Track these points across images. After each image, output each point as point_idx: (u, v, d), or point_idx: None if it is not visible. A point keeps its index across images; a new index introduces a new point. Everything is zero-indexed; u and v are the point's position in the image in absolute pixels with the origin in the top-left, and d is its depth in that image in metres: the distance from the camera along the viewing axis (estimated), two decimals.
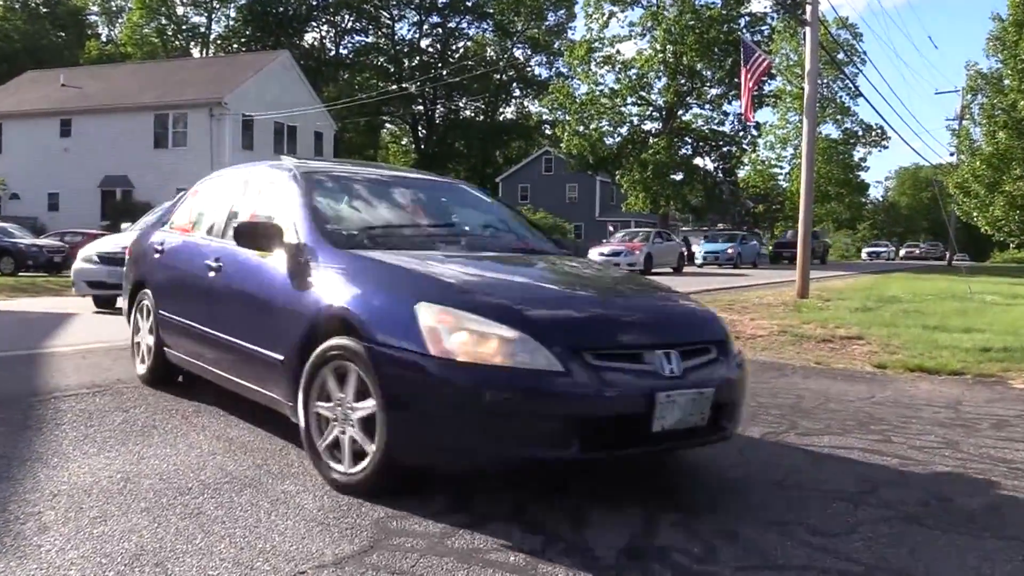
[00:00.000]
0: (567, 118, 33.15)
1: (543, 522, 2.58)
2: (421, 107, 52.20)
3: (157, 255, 4.57)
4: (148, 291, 4.59)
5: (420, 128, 53.34)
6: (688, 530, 2.55)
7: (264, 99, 30.28)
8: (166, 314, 4.29)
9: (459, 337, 2.57)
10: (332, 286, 3.01)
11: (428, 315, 2.64)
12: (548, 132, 47.39)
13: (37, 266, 17.82)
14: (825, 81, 30.44)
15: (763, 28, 32.39)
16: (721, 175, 35.06)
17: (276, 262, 3.31)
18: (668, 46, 30.95)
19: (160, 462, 3.15)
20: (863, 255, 50.39)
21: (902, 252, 51.73)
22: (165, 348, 4.35)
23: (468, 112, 54.20)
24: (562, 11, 50.15)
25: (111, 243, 9.57)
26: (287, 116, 31.20)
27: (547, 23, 50.81)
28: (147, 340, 4.58)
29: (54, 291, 12.79)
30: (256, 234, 3.37)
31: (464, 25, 52.40)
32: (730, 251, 27.35)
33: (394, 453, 2.64)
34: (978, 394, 5.11)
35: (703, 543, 2.45)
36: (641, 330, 2.88)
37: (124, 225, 11.52)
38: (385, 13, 51.26)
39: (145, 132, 29.88)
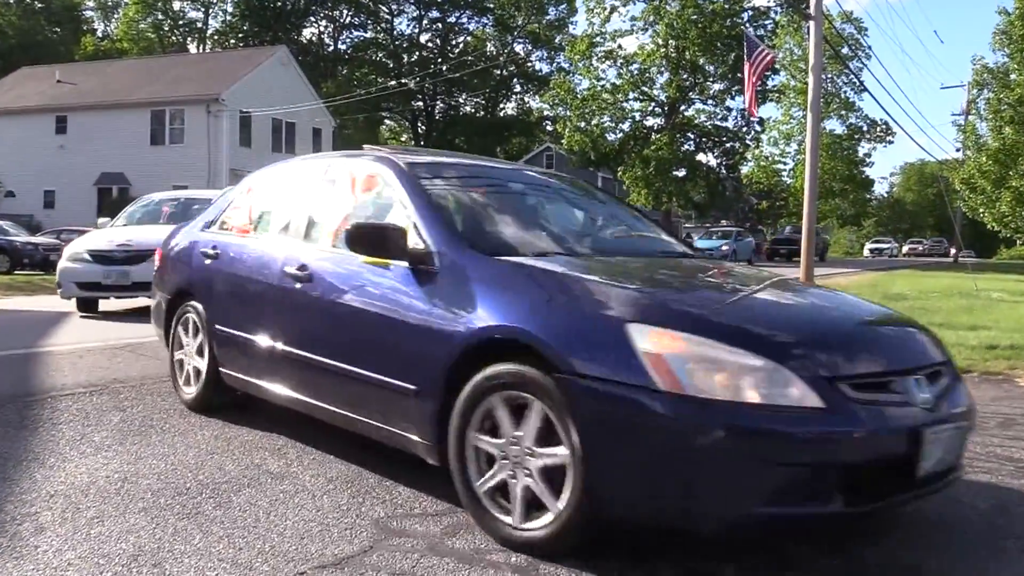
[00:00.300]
0: (568, 114, 33.00)
1: None
2: (421, 103, 52.03)
3: (208, 260, 3.90)
4: (196, 303, 3.94)
5: (420, 124, 53.16)
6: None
7: (262, 95, 30.13)
8: (225, 330, 3.68)
9: (692, 367, 2.09)
10: (490, 301, 2.50)
11: (646, 339, 2.14)
12: (549, 128, 47.18)
13: (33, 264, 17.74)
14: (829, 76, 30.14)
15: (766, 23, 32.18)
16: (724, 171, 34.89)
17: (396, 271, 2.79)
18: (670, 41, 30.79)
19: (158, 462, 3.13)
20: (865, 251, 50.18)
21: (905, 248, 51.46)
22: (221, 370, 3.76)
23: (468, 108, 54.03)
24: (563, 5, 49.87)
25: (103, 240, 8.64)
26: (285, 112, 31.03)
27: (548, 17, 50.53)
28: (195, 361, 3.96)
29: (50, 290, 12.68)
30: (376, 238, 2.80)
31: (464, 20, 52.18)
32: (724, 248, 27.18)
33: (596, 511, 2.18)
34: (984, 392, 4.98)
35: (708, 543, 2.38)
36: (886, 352, 2.44)
37: (101, 220, 10.30)
38: (384, 8, 51.06)
39: (141, 129, 29.73)
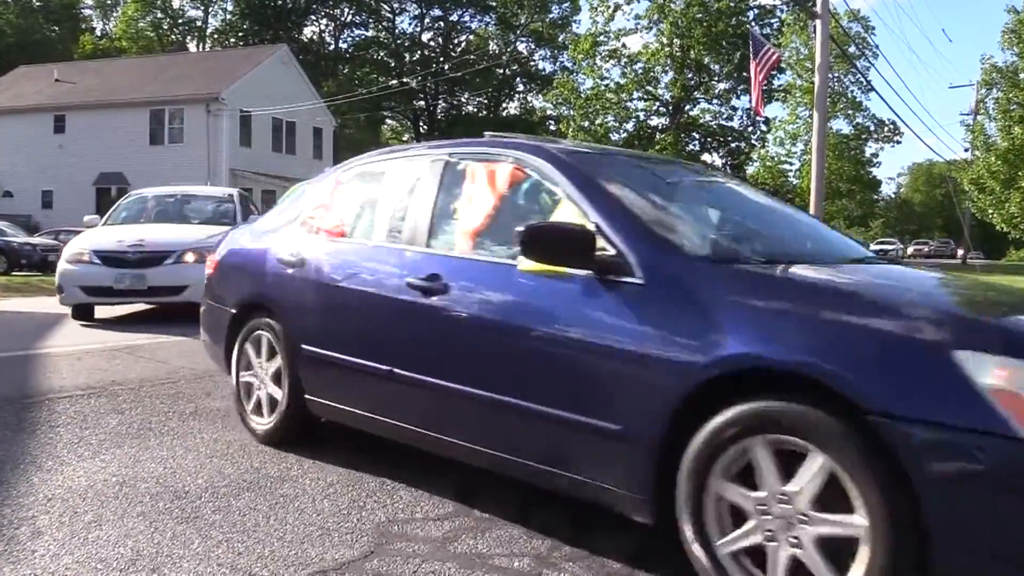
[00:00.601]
0: (572, 113, 32.78)
1: (549, 526, 2.51)
2: (422, 102, 51.74)
3: (290, 270, 3.37)
4: (273, 320, 3.41)
5: (421, 124, 52.85)
6: None
7: (262, 94, 29.81)
8: (316, 351, 3.16)
9: None
10: (736, 320, 2.03)
11: (989, 371, 1.70)
12: (552, 128, 46.91)
13: (31, 265, 17.60)
14: (836, 75, 29.85)
15: (772, 21, 31.93)
16: (730, 171, 34.60)
17: (579, 283, 2.31)
18: (675, 39, 30.53)
19: (156, 465, 3.11)
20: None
21: (910, 250, 51.17)
22: (308, 397, 3.25)
23: (470, 107, 53.72)
24: (566, 4, 49.56)
25: (110, 239, 7.79)
26: (286, 111, 30.73)
27: (551, 16, 50.24)
28: (269, 387, 3.45)
29: (48, 291, 12.45)
30: (559, 243, 2.31)
31: (466, 18, 51.87)
32: None
33: None
34: None
35: None
36: None
37: (88, 219, 9.51)
38: (385, 6, 50.78)
39: (141, 128, 29.40)
